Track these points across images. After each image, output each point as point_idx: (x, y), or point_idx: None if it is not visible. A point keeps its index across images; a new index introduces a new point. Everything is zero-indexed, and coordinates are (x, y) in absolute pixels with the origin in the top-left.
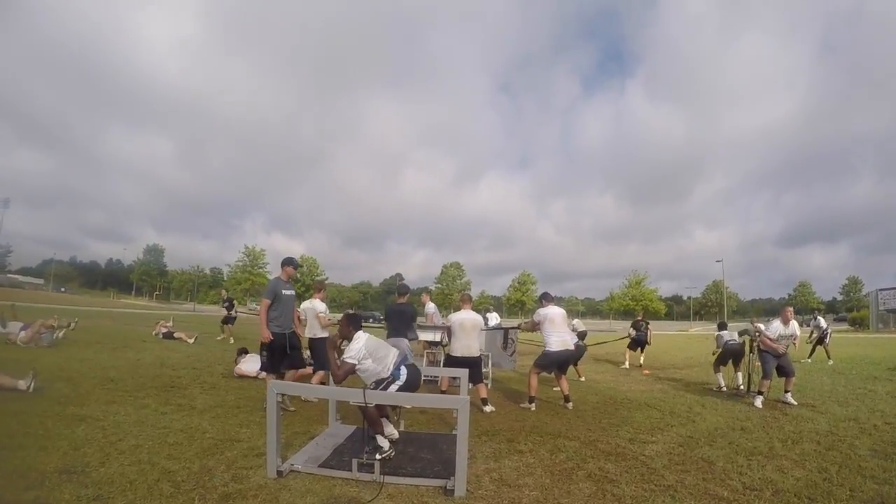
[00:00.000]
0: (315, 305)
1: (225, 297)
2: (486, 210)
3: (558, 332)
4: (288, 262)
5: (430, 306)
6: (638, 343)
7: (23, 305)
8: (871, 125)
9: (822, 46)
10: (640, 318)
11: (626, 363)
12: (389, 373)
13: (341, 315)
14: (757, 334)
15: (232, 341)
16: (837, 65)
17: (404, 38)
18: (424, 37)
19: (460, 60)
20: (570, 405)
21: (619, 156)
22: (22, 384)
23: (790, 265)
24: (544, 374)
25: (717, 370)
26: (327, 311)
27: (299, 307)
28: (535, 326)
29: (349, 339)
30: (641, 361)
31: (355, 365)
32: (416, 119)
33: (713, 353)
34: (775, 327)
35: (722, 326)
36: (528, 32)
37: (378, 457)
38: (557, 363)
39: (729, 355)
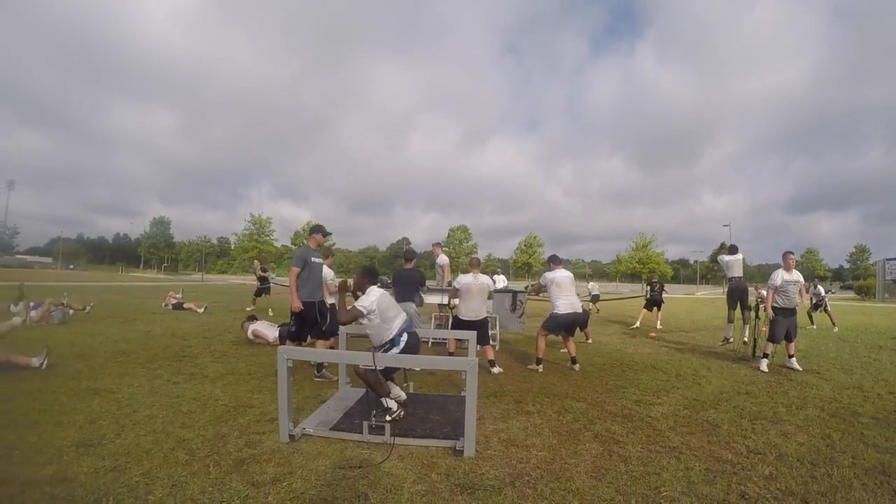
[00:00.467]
0: (324, 273)
1: (260, 268)
2: (493, 173)
3: (566, 295)
4: (316, 229)
5: (443, 258)
6: (654, 303)
7: (33, 285)
8: (883, 92)
9: (834, 11)
10: (654, 279)
11: (638, 322)
12: (391, 336)
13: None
14: (760, 301)
15: (271, 313)
16: (850, 30)
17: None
18: None
19: (466, 22)
20: (577, 367)
21: (629, 118)
22: (35, 361)
23: (798, 231)
24: (552, 336)
25: (729, 318)
26: (335, 278)
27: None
28: (540, 289)
29: (363, 292)
30: (659, 324)
31: (363, 313)
32: (422, 83)
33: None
34: (779, 275)
35: (733, 250)
36: None
37: (388, 418)
38: (565, 325)
39: (735, 295)
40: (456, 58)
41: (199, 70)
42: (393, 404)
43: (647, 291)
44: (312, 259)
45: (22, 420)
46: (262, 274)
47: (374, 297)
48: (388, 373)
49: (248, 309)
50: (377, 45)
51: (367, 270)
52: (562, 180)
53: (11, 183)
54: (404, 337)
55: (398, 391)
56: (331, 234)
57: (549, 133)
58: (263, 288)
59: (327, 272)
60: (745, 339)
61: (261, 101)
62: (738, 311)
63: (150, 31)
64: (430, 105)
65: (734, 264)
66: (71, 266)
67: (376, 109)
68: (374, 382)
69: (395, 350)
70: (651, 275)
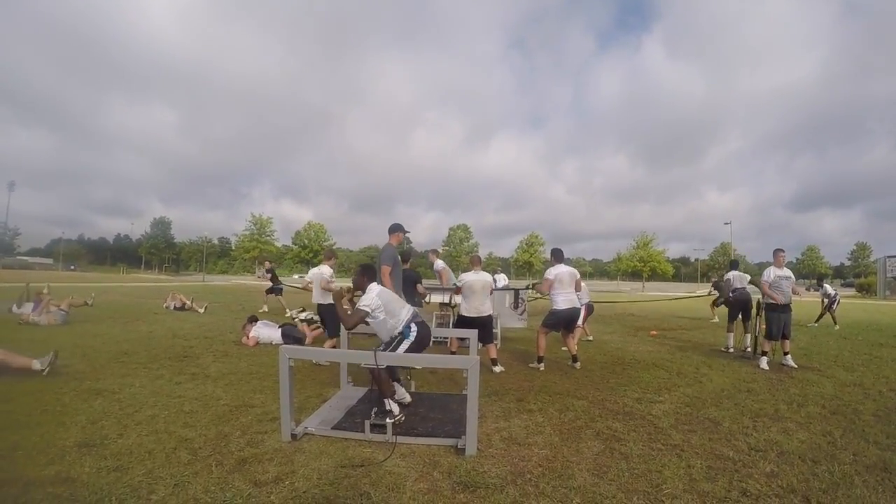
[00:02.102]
0: (322, 271)
1: (267, 267)
2: (496, 171)
3: (565, 291)
4: (397, 227)
5: (439, 263)
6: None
7: (35, 286)
8: (891, 87)
9: (845, 5)
10: (715, 278)
11: (716, 317)
12: (399, 330)
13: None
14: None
15: (288, 314)
16: (860, 25)
17: None
18: None
19: (472, 16)
20: (578, 365)
21: (634, 114)
22: (38, 364)
23: (801, 229)
24: (553, 333)
25: (729, 328)
26: (333, 278)
27: (307, 274)
28: (550, 287)
29: (363, 291)
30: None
31: (368, 313)
32: (426, 78)
33: (710, 295)
34: (772, 271)
35: (734, 265)
36: None
37: (389, 420)
38: (565, 322)
39: (738, 307)
40: (462, 53)
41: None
42: (395, 407)
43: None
44: (397, 257)
45: (24, 420)
46: (267, 274)
47: (374, 294)
48: (392, 371)
49: (261, 311)
50: (381, 40)
51: (365, 268)
52: (565, 178)
53: (12, 184)
54: (413, 328)
55: (403, 392)
56: (409, 231)
57: (553, 130)
58: (277, 288)
59: (327, 272)
60: (748, 346)
61: (262, 97)
62: (738, 319)
63: (149, 27)
64: (435, 101)
65: (735, 278)
66: (72, 267)
67: (380, 106)
68: (385, 382)
69: (407, 342)
70: (712, 274)
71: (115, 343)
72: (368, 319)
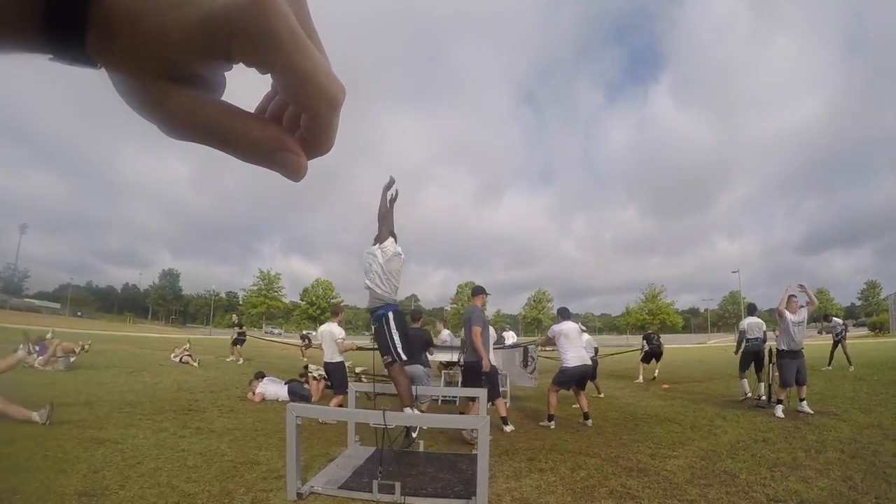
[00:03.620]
0: (332, 330)
1: (236, 321)
2: (506, 228)
3: (574, 347)
4: (480, 290)
5: (445, 333)
6: (652, 355)
7: (40, 329)
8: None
9: (844, 44)
10: (650, 332)
11: (640, 377)
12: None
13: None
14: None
15: (241, 362)
16: (861, 61)
17: (423, 49)
18: (445, 46)
19: (482, 71)
20: (589, 422)
21: (643, 166)
22: (36, 416)
23: (812, 271)
24: (563, 391)
25: (741, 376)
26: (345, 335)
27: (317, 331)
28: (549, 342)
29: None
30: (656, 374)
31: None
32: (438, 134)
33: (735, 353)
34: (787, 317)
35: (751, 309)
36: (551, 38)
37: (413, 435)
38: (575, 379)
39: (750, 358)
40: (474, 108)
41: None
42: (413, 416)
43: (643, 345)
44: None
45: (25, 465)
46: (239, 329)
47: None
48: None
49: (227, 360)
50: (393, 97)
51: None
52: (575, 233)
53: (24, 226)
54: (392, 314)
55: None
56: (490, 294)
57: (563, 185)
58: (240, 339)
59: (337, 331)
60: (762, 394)
61: None
62: (751, 368)
63: None
64: (447, 158)
65: (754, 326)
66: (79, 313)
67: (390, 162)
68: (405, 390)
69: (391, 323)
70: (647, 327)
71: (119, 392)
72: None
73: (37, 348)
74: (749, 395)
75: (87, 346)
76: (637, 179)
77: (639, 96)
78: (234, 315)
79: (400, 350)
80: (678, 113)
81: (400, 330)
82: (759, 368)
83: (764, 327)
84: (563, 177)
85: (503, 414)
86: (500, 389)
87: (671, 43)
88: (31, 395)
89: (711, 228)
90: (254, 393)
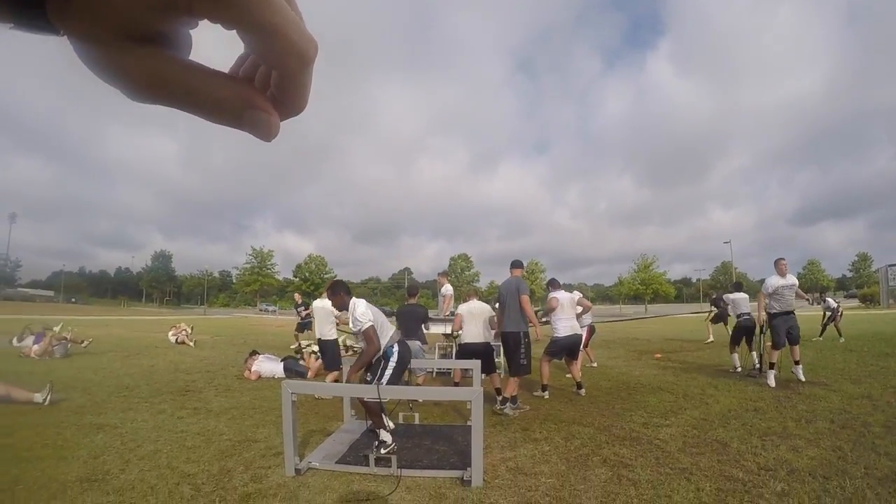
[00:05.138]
0: (326, 306)
1: (300, 301)
2: (500, 198)
3: (566, 317)
4: (519, 263)
5: (447, 288)
6: (721, 318)
7: (35, 318)
8: (892, 94)
9: (848, 15)
10: (715, 295)
11: (710, 337)
12: (382, 350)
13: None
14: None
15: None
16: (862, 33)
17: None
18: (438, 12)
19: (478, 38)
20: (582, 391)
21: (639, 134)
22: (38, 397)
23: (805, 243)
24: (556, 360)
25: (732, 350)
26: (341, 314)
27: (311, 306)
28: (552, 310)
29: (345, 308)
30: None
31: (373, 325)
32: (432, 104)
33: (707, 316)
34: (773, 281)
35: (738, 287)
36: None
37: (383, 451)
38: (567, 348)
39: (742, 333)
40: (469, 77)
41: None
42: (388, 437)
43: (710, 308)
44: None
45: (25, 455)
46: (300, 308)
47: (364, 306)
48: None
49: (291, 347)
50: (385, 67)
51: (337, 284)
52: (569, 202)
53: (13, 216)
54: (395, 347)
55: (387, 421)
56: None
57: (558, 154)
58: (305, 323)
59: (329, 305)
60: (756, 363)
61: None
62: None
63: None
64: (440, 127)
65: (741, 301)
66: (73, 300)
67: (383, 134)
68: (375, 412)
69: (392, 364)
70: (712, 292)
71: (116, 377)
72: (360, 337)
73: (34, 338)
74: (739, 368)
75: (86, 343)
76: (633, 148)
77: (637, 63)
78: (296, 294)
79: (385, 379)
80: (677, 80)
81: (398, 367)
82: (749, 341)
83: (747, 300)
84: (558, 146)
85: (497, 385)
86: (496, 360)
87: (672, 7)
88: (30, 383)
89: (706, 198)
90: (250, 371)
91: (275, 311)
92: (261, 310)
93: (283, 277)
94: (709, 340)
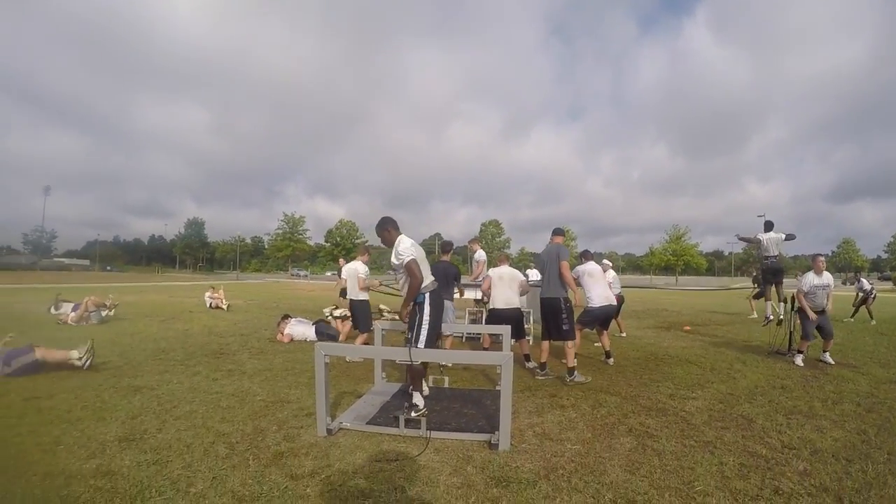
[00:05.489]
0: (357, 267)
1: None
2: (532, 165)
3: (599, 286)
4: (560, 231)
5: (481, 253)
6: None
7: (72, 287)
8: None
9: None
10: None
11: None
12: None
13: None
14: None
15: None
16: None
17: None
18: None
19: (511, 1)
20: (611, 361)
21: (675, 103)
22: (76, 354)
23: (840, 220)
24: (586, 329)
25: (766, 296)
26: (367, 274)
27: (342, 270)
28: (573, 283)
29: (391, 244)
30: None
31: (414, 259)
32: (464, 69)
33: (750, 292)
34: (808, 279)
35: (769, 226)
36: None
37: (413, 414)
38: (600, 319)
39: (771, 275)
40: (502, 41)
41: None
42: (420, 401)
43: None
44: None
45: (65, 416)
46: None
47: (410, 243)
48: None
49: (324, 311)
50: (417, 32)
51: (387, 220)
52: (603, 170)
53: (47, 188)
54: (427, 297)
55: (425, 385)
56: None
57: (592, 121)
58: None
59: (361, 268)
60: (781, 315)
61: (294, 93)
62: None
63: (177, 24)
64: (472, 92)
65: (770, 243)
66: (108, 268)
67: (415, 99)
68: (418, 375)
69: (425, 316)
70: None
71: (152, 341)
72: (399, 276)
73: (72, 306)
74: (771, 317)
75: (111, 304)
76: (668, 117)
77: (673, 29)
78: (340, 259)
79: (423, 337)
80: (716, 48)
81: (433, 314)
82: (779, 284)
83: (782, 240)
84: (591, 113)
85: (526, 351)
86: (525, 326)
87: None
88: (69, 348)
89: (742, 170)
90: (282, 334)
91: (306, 276)
92: (292, 275)
93: (315, 243)
94: (752, 316)
